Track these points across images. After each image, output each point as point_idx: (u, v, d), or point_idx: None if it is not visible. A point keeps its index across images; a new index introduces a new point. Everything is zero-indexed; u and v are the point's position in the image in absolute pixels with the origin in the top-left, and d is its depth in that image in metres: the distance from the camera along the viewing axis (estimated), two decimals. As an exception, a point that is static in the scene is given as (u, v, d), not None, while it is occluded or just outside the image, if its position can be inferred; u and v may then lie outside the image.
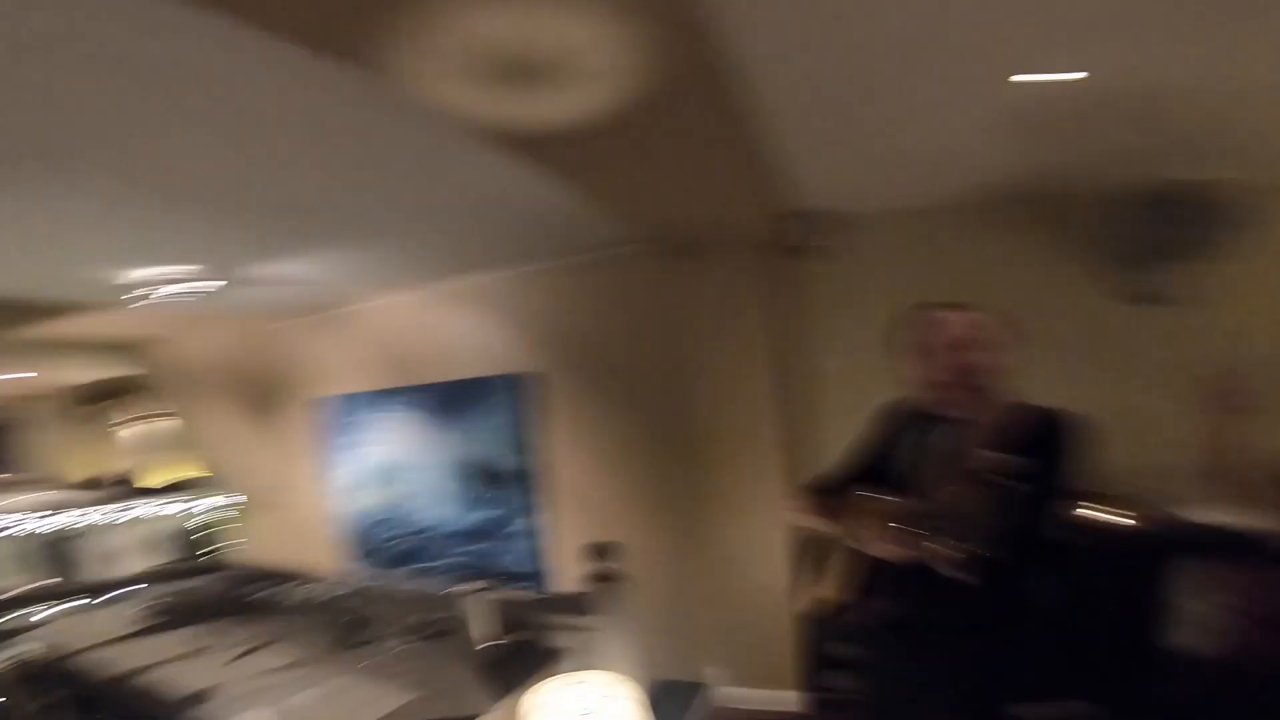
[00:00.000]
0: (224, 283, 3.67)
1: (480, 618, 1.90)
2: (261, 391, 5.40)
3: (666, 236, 3.51)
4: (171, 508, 5.92)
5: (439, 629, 1.97)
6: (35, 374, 5.94)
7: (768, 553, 3.42)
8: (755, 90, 2.06)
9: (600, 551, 1.85)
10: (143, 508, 5.82)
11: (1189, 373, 2.89)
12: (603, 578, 1.83)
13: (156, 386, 6.09)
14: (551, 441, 4.17)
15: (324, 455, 5.05)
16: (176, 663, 1.93)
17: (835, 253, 3.50)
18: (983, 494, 1.39)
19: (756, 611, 3.49)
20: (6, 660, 2.05)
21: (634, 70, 1.74)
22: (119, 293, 3.61)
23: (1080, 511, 2.68)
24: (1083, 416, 1.50)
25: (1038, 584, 1.57)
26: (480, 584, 2.00)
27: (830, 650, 3.29)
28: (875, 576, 1.57)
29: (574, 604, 1.88)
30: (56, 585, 4.73)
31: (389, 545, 4.75)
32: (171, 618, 2.35)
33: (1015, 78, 2.08)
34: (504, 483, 4.25)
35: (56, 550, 5.45)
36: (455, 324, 4.50)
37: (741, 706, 3.51)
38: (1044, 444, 1.46)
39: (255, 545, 5.35)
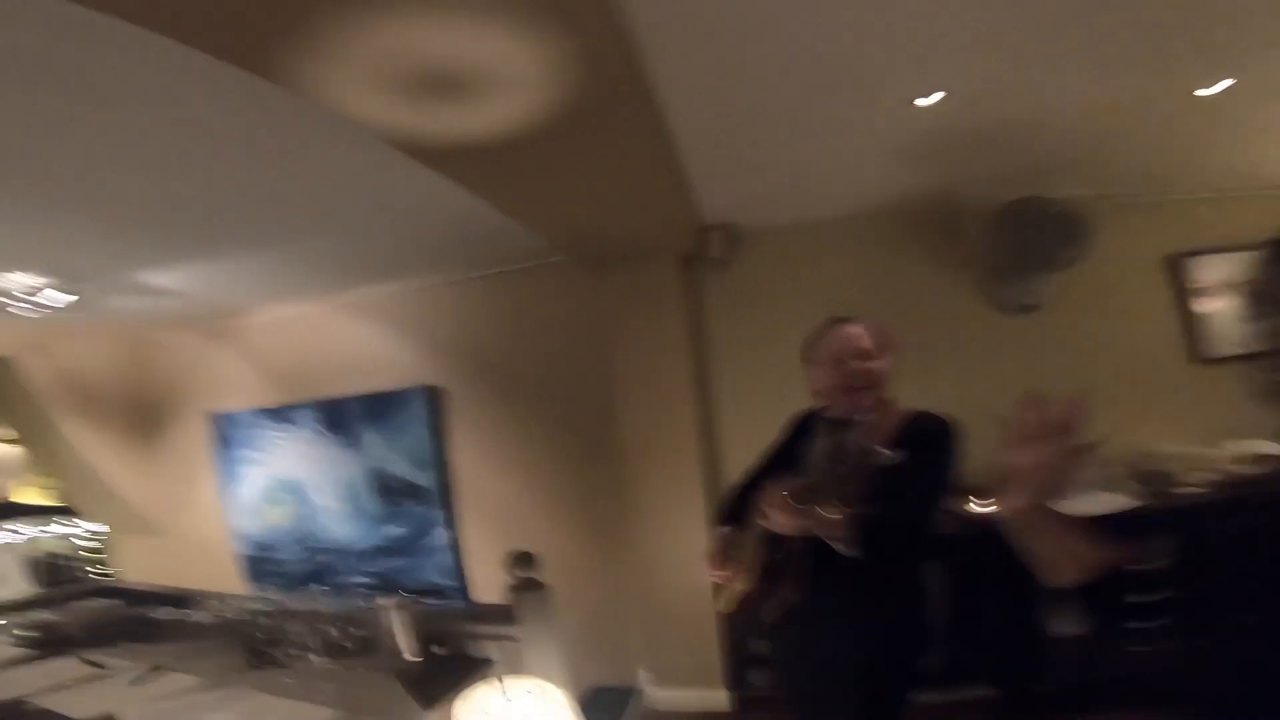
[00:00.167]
0: (80, 294, 3.40)
1: (401, 631, 1.89)
2: (149, 407, 5.05)
3: (582, 249, 3.57)
4: (28, 531, 5.38)
5: (358, 645, 1.94)
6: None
7: (691, 554, 3.48)
8: (667, 108, 2.16)
9: (522, 560, 1.87)
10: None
11: (1052, 376, 3.23)
12: (526, 586, 1.86)
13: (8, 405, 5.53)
14: (468, 454, 4.13)
15: (221, 472, 4.78)
16: (74, 688, 1.81)
17: (735, 264, 3.67)
18: (871, 487, 1.54)
19: (684, 613, 3.55)
20: None
21: (548, 86, 1.78)
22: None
23: (961, 504, 2.94)
24: (955, 418, 1.68)
25: (925, 572, 1.75)
26: (399, 598, 1.97)
27: (751, 646, 3.43)
28: (777, 568, 1.70)
29: (497, 614, 1.89)
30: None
31: (295, 563, 4.54)
32: (57, 643, 2.19)
33: (919, 101, 2.29)
34: (416, 496, 4.16)
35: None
36: (363, 336, 4.39)
37: (674, 708, 3.54)
38: (923, 442, 1.62)
39: (144, 568, 4.96)
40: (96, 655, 2.02)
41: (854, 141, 2.68)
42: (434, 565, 4.11)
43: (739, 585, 1.76)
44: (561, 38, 1.58)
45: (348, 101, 1.77)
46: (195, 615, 2.15)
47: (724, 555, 1.82)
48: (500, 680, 1.57)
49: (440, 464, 4.12)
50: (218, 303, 4.35)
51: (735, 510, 1.88)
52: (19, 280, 3.18)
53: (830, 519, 1.52)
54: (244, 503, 4.70)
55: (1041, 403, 0.87)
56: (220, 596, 2.25)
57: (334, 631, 1.94)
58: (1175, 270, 3.40)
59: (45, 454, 4.79)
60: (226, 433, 4.72)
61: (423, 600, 2.75)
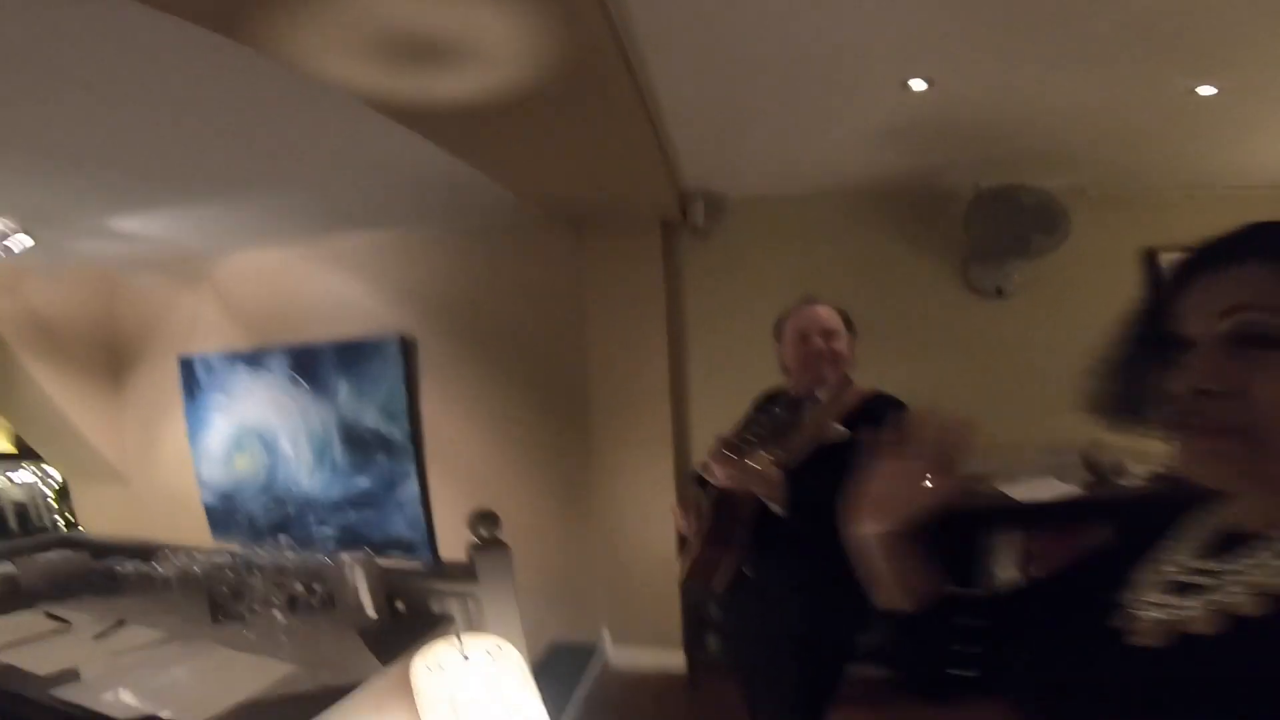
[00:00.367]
0: (45, 238, 3.31)
1: (363, 586, 1.91)
2: (117, 349, 4.95)
3: (561, 211, 3.53)
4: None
5: (320, 599, 1.97)
6: None
7: (657, 516, 3.55)
8: (650, 74, 2.13)
9: (486, 517, 1.89)
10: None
11: (1019, 362, 3.30)
12: (489, 543, 1.89)
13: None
14: (438, 408, 4.13)
15: (189, 419, 4.73)
16: (35, 641, 1.82)
17: (715, 233, 3.67)
18: (817, 461, 1.59)
19: (647, 574, 3.63)
20: None
21: (529, 51, 1.75)
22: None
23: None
24: (905, 399, 1.71)
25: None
26: (362, 552, 1.99)
27: (710, 613, 3.52)
28: (724, 534, 1.76)
29: (460, 570, 1.92)
30: None
31: (262, 514, 4.55)
32: (16, 596, 2.19)
33: (908, 83, 2.28)
34: (386, 449, 4.17)
35: None
36: (338, 283, 4.31)
37: (633, 667, 3.64)
38: (876, 423, 1.66)
39: (109, 518, 4.92)
40: (60, 609, 2.02)
41: (838, 119, 2.67)
42: (403, 519, 4.14)
43: (690, 552, 1.81)
44: (542, 1, 1.55)
45: (323, 65, 1.74)
46: (160, 568, 2.15)
47: (691, 511, 1.87)
48: (459, 638, 1.61)
49: (412, 416, 4.12)
50: (188, 247, 4.26)
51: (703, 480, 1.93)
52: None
53: (761, 472, 1.57)
54: (211, 451, 4.67)
55: (917, 421, 0.78)
56: (187, 550, 2.25)
57: (298, 586, 1.96)
58: (1151, 265, 3.43)
59: (8, 398, 4.69)
60: (197, 377, 4.65)
61: (387, 554, 2.79)
